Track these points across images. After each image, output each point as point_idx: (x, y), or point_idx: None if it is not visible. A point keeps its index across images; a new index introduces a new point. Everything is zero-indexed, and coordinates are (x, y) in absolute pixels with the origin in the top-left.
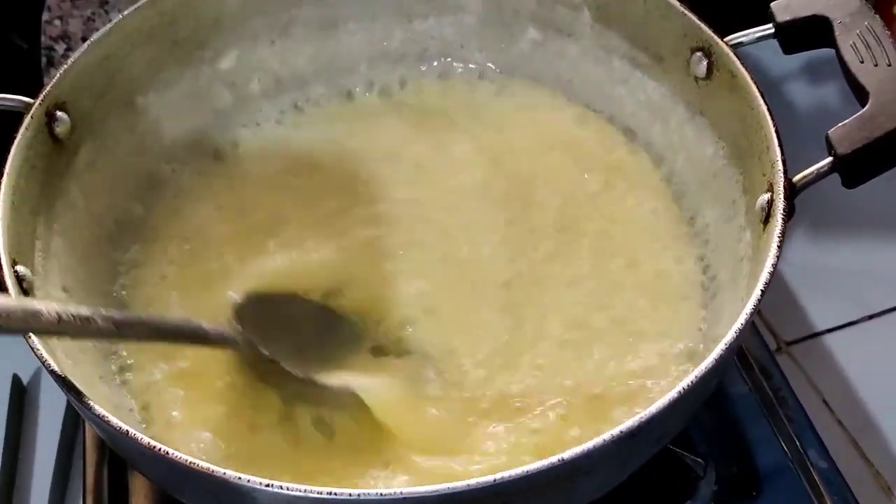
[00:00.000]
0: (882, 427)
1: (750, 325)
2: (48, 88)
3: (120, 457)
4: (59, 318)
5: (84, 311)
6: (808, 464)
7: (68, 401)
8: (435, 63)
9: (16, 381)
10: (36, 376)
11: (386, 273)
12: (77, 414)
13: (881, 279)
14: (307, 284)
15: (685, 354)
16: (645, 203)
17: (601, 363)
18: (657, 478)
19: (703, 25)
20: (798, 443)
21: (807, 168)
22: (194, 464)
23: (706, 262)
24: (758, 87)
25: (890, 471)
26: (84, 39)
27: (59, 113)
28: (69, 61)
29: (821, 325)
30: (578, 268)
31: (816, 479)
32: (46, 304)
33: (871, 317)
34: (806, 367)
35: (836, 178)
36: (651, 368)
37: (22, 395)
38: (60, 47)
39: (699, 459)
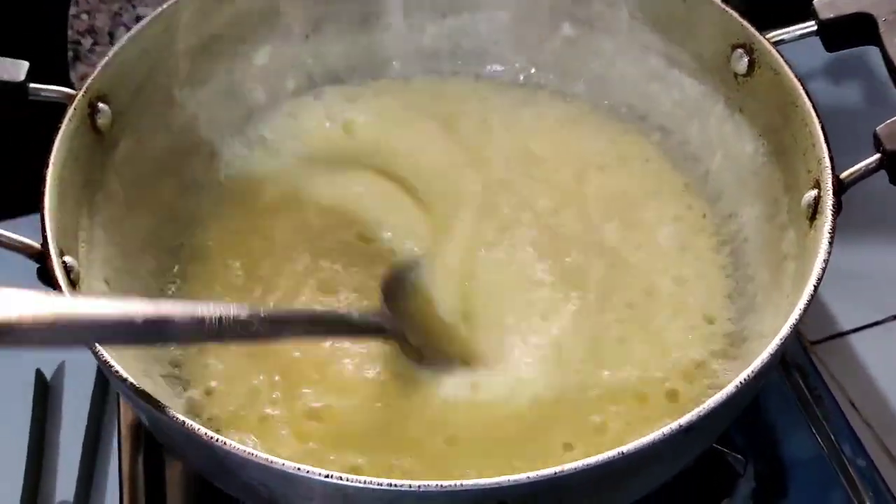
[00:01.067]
0: None
1: (800, 322)
2: (90, 80)
3: (154, 447)
4: (220, 321)
5: (241, 311)
6: (846, 461)
7: (93, 396)
8: (468, 60)
9: (39, 376)
10: (59, 371)
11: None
12: (101, 409)
13: None
14: None
15: (720, 354)
16: (679, 202)
17: (639, 360)
18: (697, 475)
19: (744, 22)
20: (835, 440)
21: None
22: (251, 454)
23: (744, 262)
24: (802, 84)
25: None
26: (111, 34)
27: (100, 105)
28: (110, 53)
29: (846, 326)
30: (613, 268)
31: (854, 476)
32: (203, 307)
33: (895, 317)
34: (831, 367)
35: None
36: (691, 364)
37: (46, 391)
38: (87, 42)
39: (739, 456)
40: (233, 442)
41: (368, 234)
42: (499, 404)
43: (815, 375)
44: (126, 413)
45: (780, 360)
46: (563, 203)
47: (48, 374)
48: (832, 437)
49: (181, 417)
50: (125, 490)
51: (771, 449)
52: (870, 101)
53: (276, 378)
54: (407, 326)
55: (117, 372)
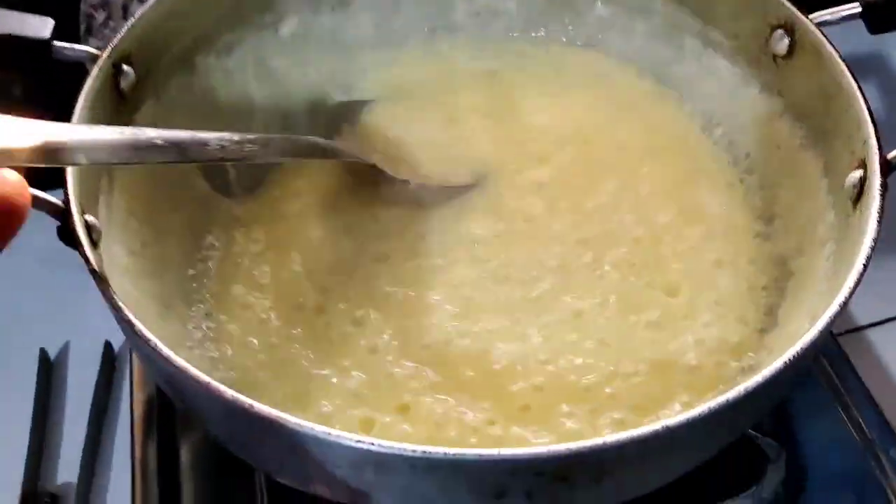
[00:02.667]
0: None
1: (846, 306)
2: (116, 41)
3: (167, 428)
4: (207, 143)
5: (235, 136)
6: (877, 451)
7: (99, 376)
8: (498, 38)
9: (43, 355)
10: (63, 351)
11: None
12: (106, 389)
13: None
14: None
15: (753, 341)
16: (714, 184)
17: (672, 340)
18: (730, 459)
19: (785, 1)
20: (865, 430)
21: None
22: (282, 418)
23: (779, 245)
24: (847, 66)
25: None
26: (125, 8)
27: (124, 66)
28: (136, 15)
29: (864, 320)
30: (647, 248)
31: (886, 465)
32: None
33: None
34: (851, 360)
35: None
36: (730, 346)
37: (50, 370)
38: (101, 15)
39: (772, 442)
40: (262, 406)
41: None
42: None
43: (845, 364)
44: (138, 397)
45: None
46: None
47: (52, 354)
48: (863, 425)
49: (206, 378)
50: (137, 475)
51: (802, 436)
52: (889, 93)
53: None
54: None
55: (142, 333)
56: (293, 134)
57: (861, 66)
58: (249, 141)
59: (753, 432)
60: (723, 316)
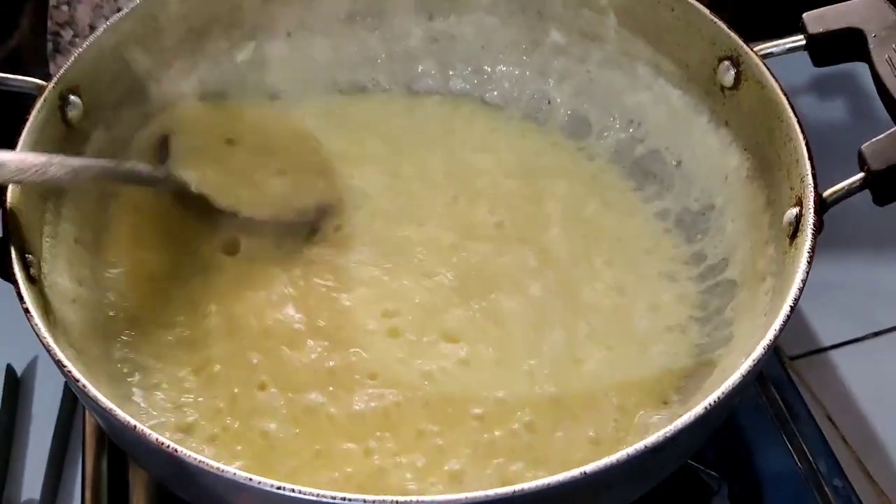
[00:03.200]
0: (887, 445)
1: (775, 342)
2: (62, 72)
3: (119, 450)
4: (18, 167)
5: (42, 157)
6: (822, 480)
7: (65, 392)
8: (454, 65)
9: (10, 371)
10: (30, 367)
11: None
12: (72, 405)
13: (887, 296)
14: None
15: (689, 372)
16: (659, 214)
17: (608, 374)
18: (670, 491)
19: (732, 34)
20: (811, 458)
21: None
22: (203, 462)
23: (722, 277)
24: (788, 99)
25: (894, 489)
26: (91, 27)
27: (72, 97)
28: (84, 45)
29: (826, 341)
30: (584, 282)
31: (830, 496)
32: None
33: (876, 334)
34: (811, 383)
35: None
36: (659, 382)
37: (16, 387)
38: (67, 33)
39: (714, 474)
40: (184, 450)
41: None
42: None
43: (793, 391)
44: (90, 414)
45: (758, 376)
46: (534, 216)
47: (19, 370)
48: (808, 454)
49: (133, 421)
50: (88, 492)
51: (746, 466)
52: (857, 116)
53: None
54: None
55: (70, 372)
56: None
57: (831, 83)
58: (58, 164)
59: (695, 464)
60: (661, 350)
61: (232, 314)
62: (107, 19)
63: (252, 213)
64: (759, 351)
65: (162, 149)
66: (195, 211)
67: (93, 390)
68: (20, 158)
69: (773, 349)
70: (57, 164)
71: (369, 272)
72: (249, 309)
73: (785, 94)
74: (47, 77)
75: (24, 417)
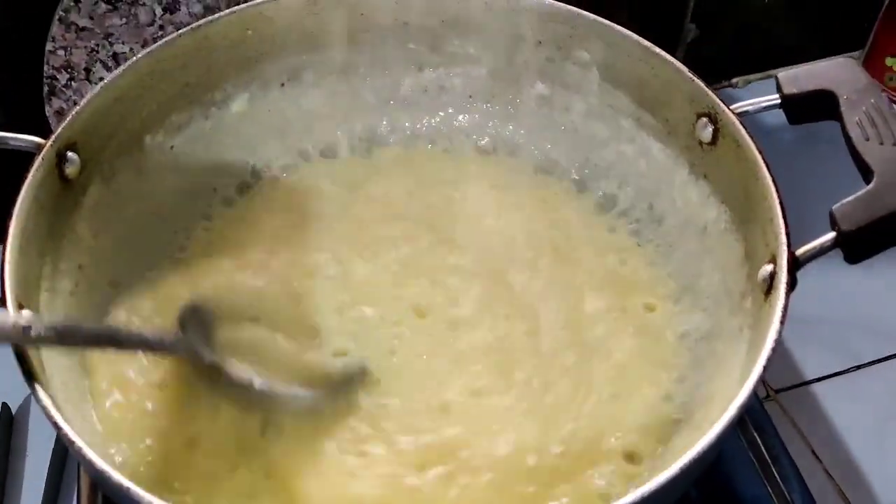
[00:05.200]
0: (868, 478)
1: (752, 396)
2: (60, 130)
3: None
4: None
5: (25, 319)
6: None
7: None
8: (440, 114)
9: (4, 409)
10: (25, 405)
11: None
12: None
13: (868, 330)
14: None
15: (674, 422)
16: (641, 267)
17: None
18: None
19: (709, 92)
20: (789, 499)
21: (810, 237)
22: None
23: (703, 326)
24: (763, 158)
25: None
26: (87, 70)
27: (69, 154)
28: (82, 102)
29: (809, 375)
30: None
31: None
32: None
33: (858, 367)
34: (794, 416)
35: None
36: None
37: (10, 424)
38: (63, 77)
39: None
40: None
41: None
42: None
43: (773, 433)
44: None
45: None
46: (517, 266)
47: (13, 407)
48: (786, 494)
49: (126, 483)
50: None
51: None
52: (845, 166)
53: None
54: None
55: (60, 427)
56: None
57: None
58: (48, 327)
59: None
60: (643, 401)
61: None
62: (103, 63)
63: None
64: (732, 410)
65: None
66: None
67: (87, 451)
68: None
69: (760, 382)
70: (44, 329)
71: None
72: None
73: (761, 153)
74: (44, 120)
75: (18, 455)
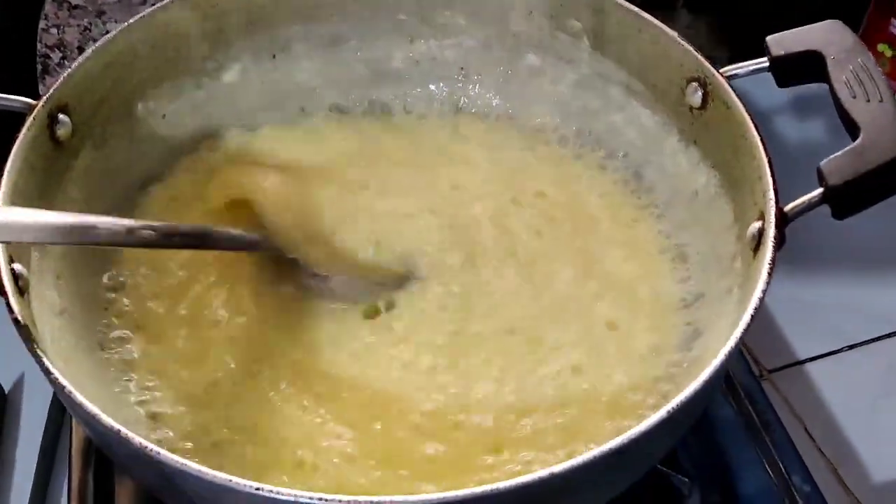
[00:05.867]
0: (861, 456)
1: (736, 351)
2: (51, 91)
3: (105, 463)
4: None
5: (129, 221)
6: (793, 489)
7: (51, 409)
8: (433, 86)
9: None
10: (18, 383)
11: None
12: (59, 422)
13: (861, 310)
14: None
15: (666, 377)
16: (634, 229)
17: (582, 379)
18: (642, 495)
19: (699, 56)
20: (782, 467)
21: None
22: (186, 465)
23: (694, 289)
24: (752, 118)
25: (869, 499)
26: (80, 49)
27: (60, 115)
28: (73, 65)
29: (802, 354)
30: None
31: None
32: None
33: (851, 347)
34: (787, 395)
35: (820, 212)
36: (636, 386)
37: (3, 402)
38: (56, 56)
39: (685, 479)
40: (167, 453)
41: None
42: None
43: (765, 402)
44: (77, 428)
45: (731, 388)
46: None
47: (6, 387)
48: (781, 465)
49: (116, 426)
50: None
51: (720, 476)
52: (835, 134)
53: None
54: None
55: (56, 379)
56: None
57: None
58: (149, 228)
59: (666, 469)
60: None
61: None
62: (95, 41)
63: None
64: (717, 361)
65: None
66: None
67: (78, 396)
68: (111, 223)
69: (753, 361)
70: (146, 228)
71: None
72: None
73: (749, 114)
74: (36, 98)
75: (10, 434)
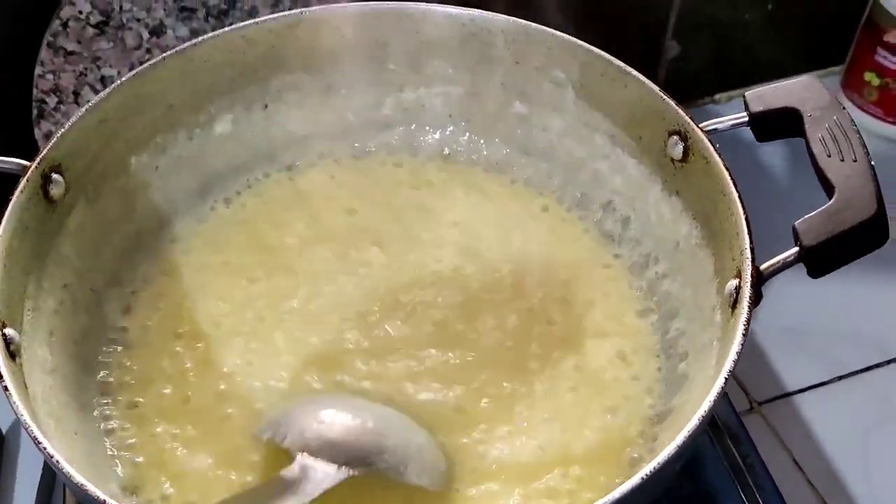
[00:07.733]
0: (851, 489)
1: (711, 413)
2: (45, 151)
3: None
4: None
5: None
6: None
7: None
8: (423, 131)
9: None
10: (15, 426)
11: None
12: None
13: (851, 341)
14: None
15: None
16: (615, 283)
17: (564, 432)
18: None
19: (679, 110)
20: None
21: (776, 248)
22: None
23: (676, 343)
24: (730, 174)
25: None
26: (76, 94)
27: (54, 175)
28: (67, 124)
29: (792, 386)
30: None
31: None
32: None
33: (841, 377)
34: (777, 427)
35: None
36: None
37: (1, 445)
38: (52, 100)
39: None
40: None
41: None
42: None
43: (749, 443)
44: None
45: (714, 427)
46: (492, 276)
47: (4, 427)
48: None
49: (102, 496)
50: None
51: None
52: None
53: None
54: None
55: (45, 449)
56: None
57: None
58: None
59: None
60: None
61: None
62: (91, 87)
63: None
64: (693, 423)
65: None
66: None
67: (66, 466)
68: None
69: (744, 392)
70: None
71: None
72: None
73: (728, 169)
74: (32, 143)
75: (8, 475)
